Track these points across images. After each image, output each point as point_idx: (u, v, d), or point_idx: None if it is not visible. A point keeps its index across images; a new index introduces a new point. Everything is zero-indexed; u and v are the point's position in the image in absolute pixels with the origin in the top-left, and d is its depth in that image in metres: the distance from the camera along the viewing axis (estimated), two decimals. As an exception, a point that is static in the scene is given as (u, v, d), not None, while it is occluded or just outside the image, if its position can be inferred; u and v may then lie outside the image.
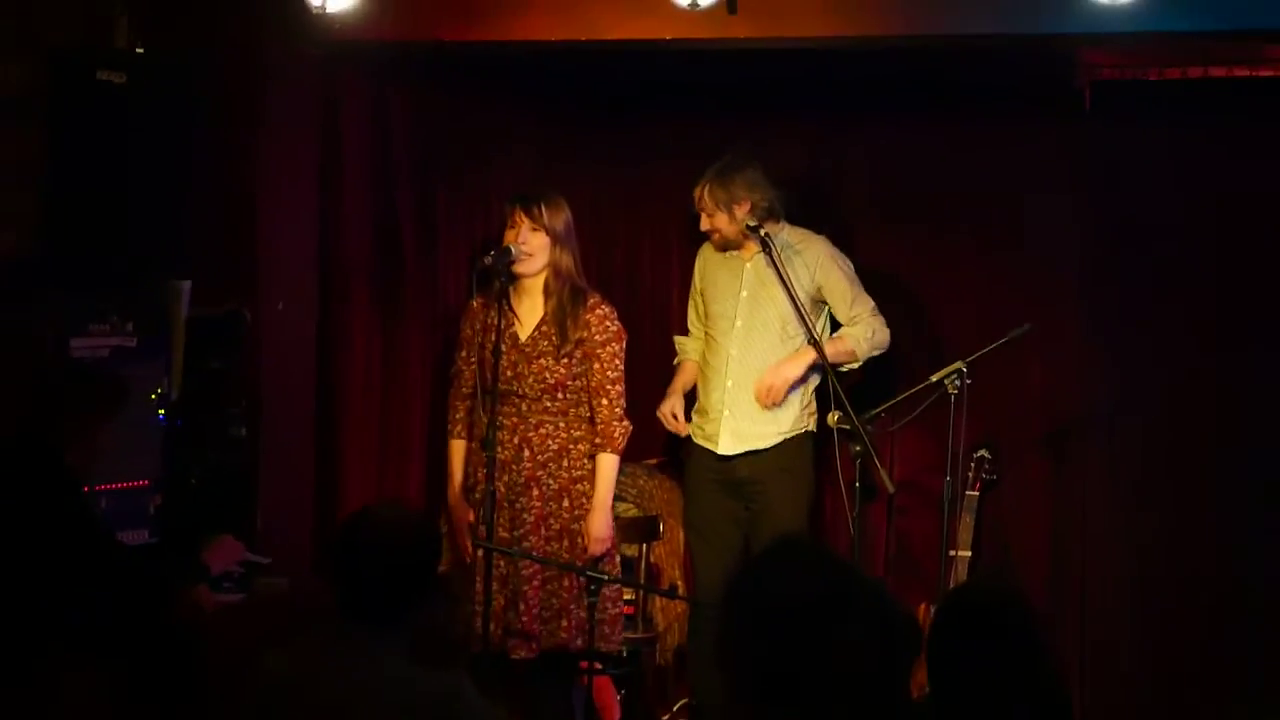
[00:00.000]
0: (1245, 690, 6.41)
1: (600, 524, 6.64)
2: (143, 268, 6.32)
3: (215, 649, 5.84)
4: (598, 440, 6.68)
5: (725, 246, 7.07)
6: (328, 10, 5.82)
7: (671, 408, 7.11)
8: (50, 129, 6.04)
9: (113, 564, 5.22)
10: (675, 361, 7.31)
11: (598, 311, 6.69)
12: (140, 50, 6.38)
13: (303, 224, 6.92)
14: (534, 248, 6.59)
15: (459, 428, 6.80)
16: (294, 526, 6.83)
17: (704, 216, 7.00)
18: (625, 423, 6.69)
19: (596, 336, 6.67)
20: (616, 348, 6.71)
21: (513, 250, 6.61)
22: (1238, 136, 7.23)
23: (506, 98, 7.59)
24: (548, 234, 6.60)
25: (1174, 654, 7.23)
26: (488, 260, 6.62)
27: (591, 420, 6.72)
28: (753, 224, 6.83)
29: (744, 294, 7.08)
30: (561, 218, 6.63)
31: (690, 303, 7.30)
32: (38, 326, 6.01)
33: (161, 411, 6.25)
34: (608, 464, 6.68)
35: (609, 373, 6.69)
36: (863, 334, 6.97)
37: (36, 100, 6.04)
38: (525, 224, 6.57)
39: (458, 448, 6.81)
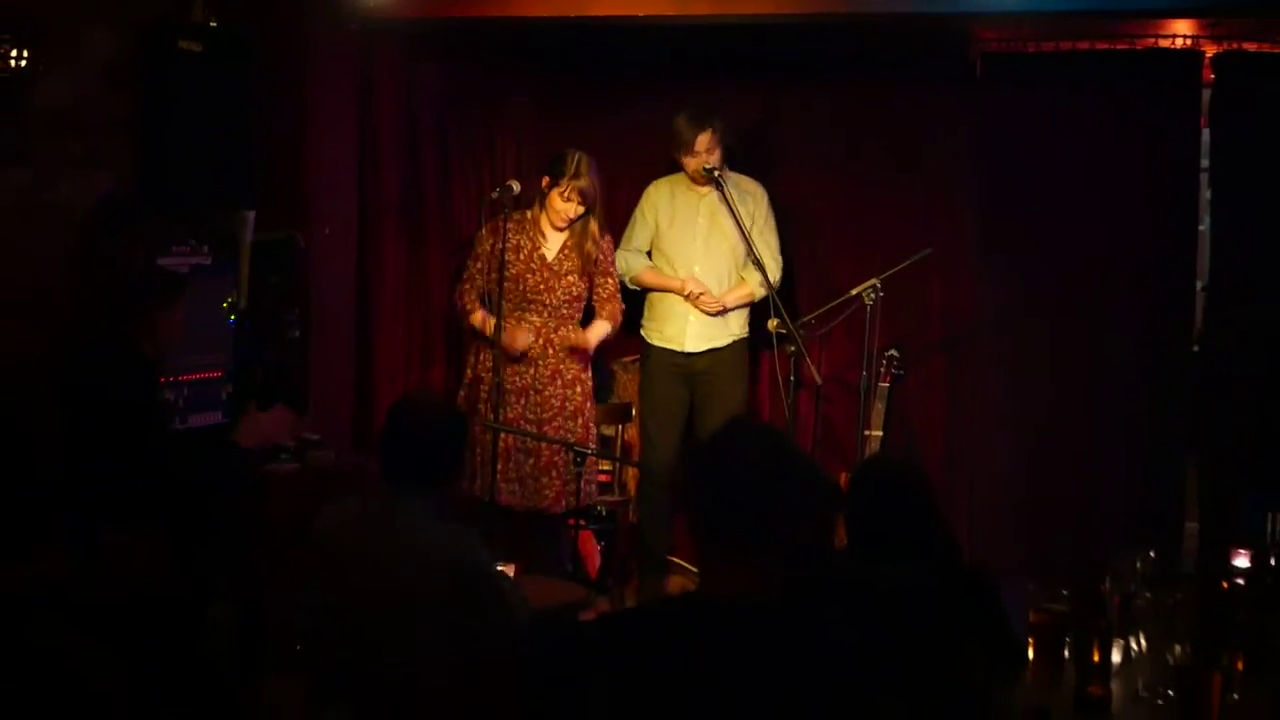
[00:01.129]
0: (1103, 541, 6.45)
1: (586, 341, 6.95)
2: (215, 201, 6.31)
3: (277, 507, 5.90)
4: (604, 317, 6.97)
5: (703, 181, 7.16)
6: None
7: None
8: (142, 89, 6.05)
9: (167, 439, 5.25)
10: (632, 277, 7.27)
11: (607, 238, 6.99)
12: (213, 24, 6.34)
13: (344, 166, 6.96)
14: (575, 214, 6.79)
15: (475, 304, 6.88)
16: (337, 410, 6.91)
17: (703, 155, 7.04)
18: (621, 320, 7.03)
19: (608, 258, 6.97)
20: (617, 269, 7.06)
21: (514, 187, 6.76)
22: (1096, 97, 7.30)
23: (509, 63, 7.62)
24: (589, 205, 6.79)
25: (1044, 510, 7.28)
26: (494, 195, 6.75)
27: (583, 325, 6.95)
28: (715, 165, 7.00)
29: (701, 221, 7.21)
30: (598, 189, 6.83)
31: (641, 229, 7.34)
32: (130, 248, 6.08)
33: (232, 317, 6.26)
34: (606, 327, 6.99)
35: (612, 286, 6.99)
36: (760, 279, 7.11)
37: (129, 66, 6.03)
38: (576, 200, 6.74)
39: (479, 315, 6.86)
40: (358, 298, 7.11)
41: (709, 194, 7.15)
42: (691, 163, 7.11)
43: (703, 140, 7.04)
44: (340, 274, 7.00)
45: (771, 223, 7.26)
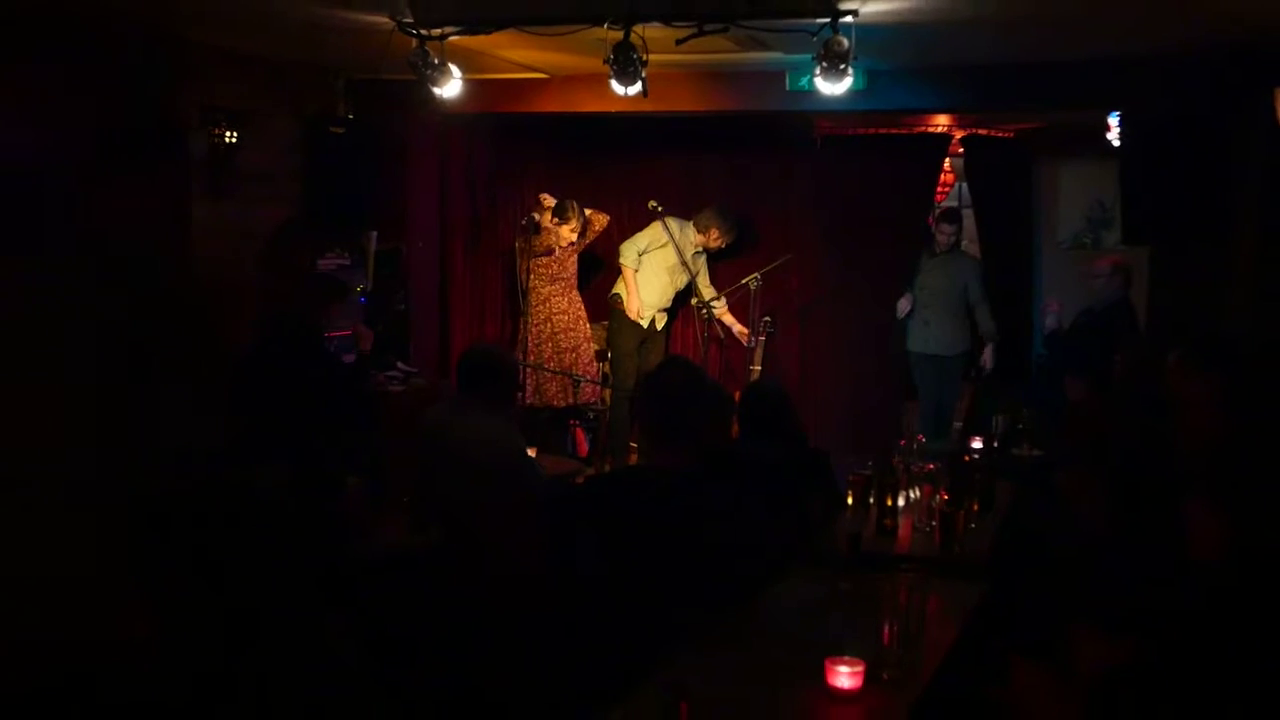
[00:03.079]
0: (894, 432, 6.48)
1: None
2: (352, 225, 6.30)
3: (390, 415, 5.89)
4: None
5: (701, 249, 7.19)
6: (444, 97, 5.85)
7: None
8: (306, 156, 6.08)
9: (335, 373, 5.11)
10: (628, 263, 7.17)
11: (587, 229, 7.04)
12: (351, 116, 6.36)
13: (430, 204, 6.90)
14: (571, 239, 6.91)
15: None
16: (428, 353, 6.87)
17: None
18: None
19: (589, 237, 7.03)
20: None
21: (536, 216, 6.80)
22: (891, 163, 7.25)
23: (532, 140, 7.51)
24: (580, 232, 6.92)
25: (858, 413, 7.21)
26: (523, 223, 6.80)
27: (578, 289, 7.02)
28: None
29: (671, 262, 7.13)
30: (584, 219, 6.97)
31: (645, 240, 7.12)
32: (300, 254, 6.07)
33: (362, 297, 6.23)
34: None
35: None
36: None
37: (298, 141, 6.06)
38: (572, 222, 6.85)
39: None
40: (439, 285, 7.06)
41: (669, 242, 7.06)
42: (712, 243, 7.11)
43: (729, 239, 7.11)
44: (428, 270, 6.95)
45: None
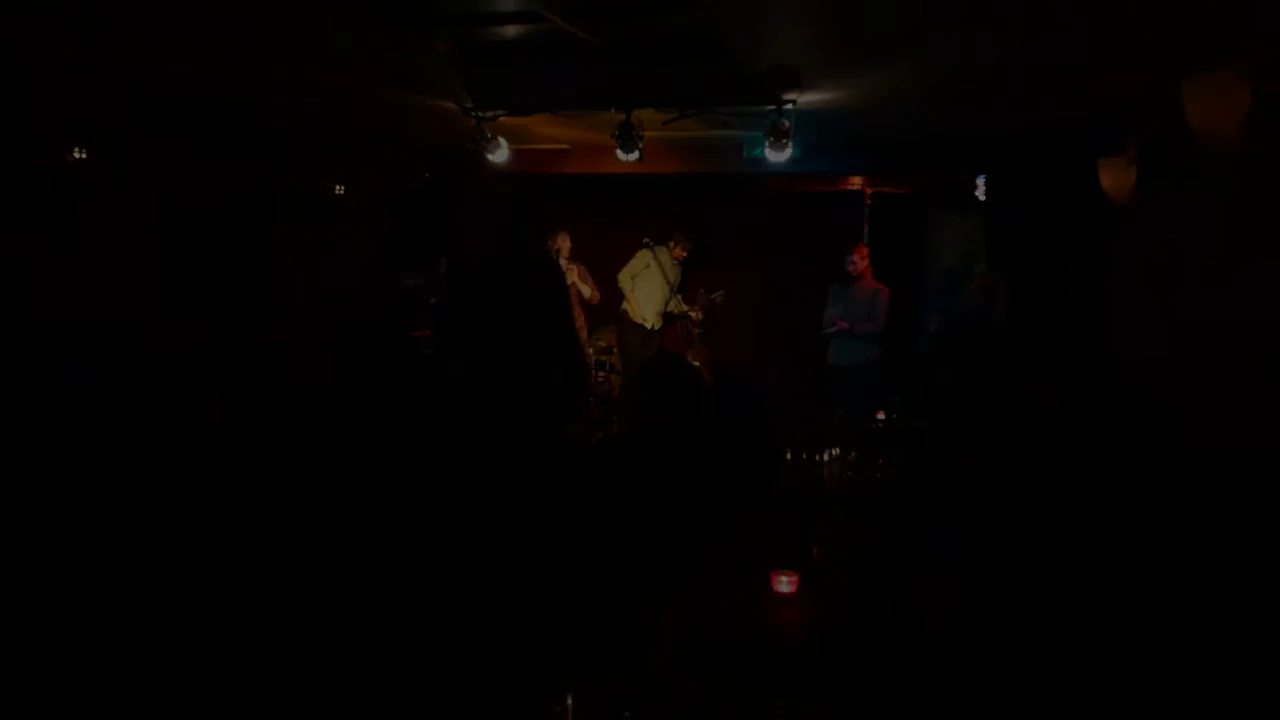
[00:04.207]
0: (824, 408, 6.24)
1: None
2: (425, 254, 6.24)
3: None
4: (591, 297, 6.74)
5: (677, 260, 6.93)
6: (494, 161, 5.80)
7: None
8: (392, 203, 6.11)
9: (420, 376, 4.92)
10: (624, 286, 6.87)
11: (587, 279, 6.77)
12: (427, 175, 6.38)
13: (484, 239, 6.67)
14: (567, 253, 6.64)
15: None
16: None
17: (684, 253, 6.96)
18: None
19: (588, 282, 6.75)
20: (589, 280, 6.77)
21: (557, 252, 6.70)
22: (821, 212, 7.06)
23: (559, 193, 7.39)
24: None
25: (793, 393, 6.90)
26: (551, 254, 6.70)
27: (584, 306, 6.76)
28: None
29: (660, 278, 6.95)
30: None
31: (637, 265, 6.85)
32: (386, 274, 6.07)
33: (434, 309, 6.13)
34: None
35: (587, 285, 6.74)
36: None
37: (386, 192, 6.11)
38: (566, 246, 6.64)
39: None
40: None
41: (653, 262, 6.91)
42: (678, 254, 6.91)
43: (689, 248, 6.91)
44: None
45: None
